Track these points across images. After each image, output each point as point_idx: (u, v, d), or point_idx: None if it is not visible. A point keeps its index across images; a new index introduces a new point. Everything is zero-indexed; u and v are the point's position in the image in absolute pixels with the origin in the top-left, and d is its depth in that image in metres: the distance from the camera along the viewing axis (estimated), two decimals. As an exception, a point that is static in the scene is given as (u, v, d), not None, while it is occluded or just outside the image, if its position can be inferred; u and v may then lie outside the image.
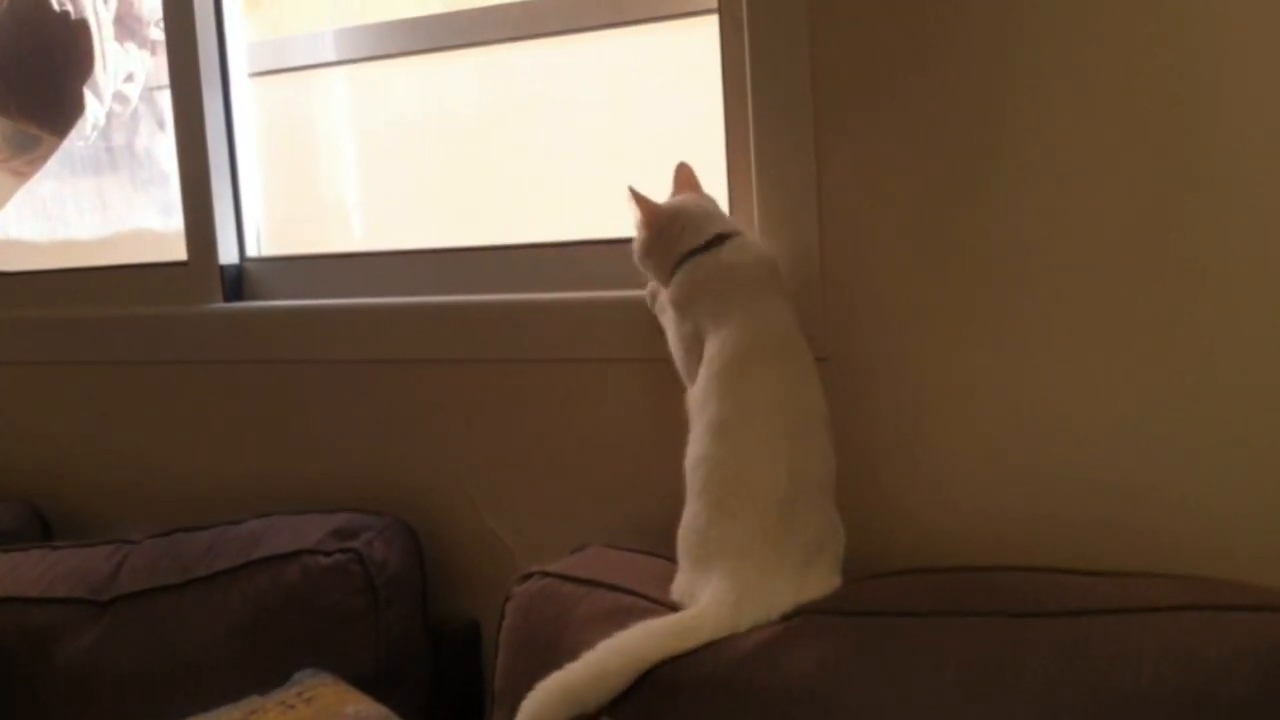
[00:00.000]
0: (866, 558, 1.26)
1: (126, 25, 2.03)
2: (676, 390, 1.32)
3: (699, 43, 1.47)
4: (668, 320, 1.34)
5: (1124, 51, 1.20)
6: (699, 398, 1.26)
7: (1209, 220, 1.19)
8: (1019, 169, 1.25)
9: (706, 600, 1.17)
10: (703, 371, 1.26)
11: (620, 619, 1.18)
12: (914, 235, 1.30)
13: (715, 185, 1.42)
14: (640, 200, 1.31)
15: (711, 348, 1.25)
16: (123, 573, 1.52)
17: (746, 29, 1.35)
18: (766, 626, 1.14)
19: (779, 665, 1.09)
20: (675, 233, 1.30)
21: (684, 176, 1.37)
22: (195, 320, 1.75)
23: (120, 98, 2.03)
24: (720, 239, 1.29)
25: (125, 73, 2.03)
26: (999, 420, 1.29)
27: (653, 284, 1.38)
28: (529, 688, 1.17)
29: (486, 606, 1.52)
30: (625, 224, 1.38)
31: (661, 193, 1.37)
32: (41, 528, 1.83)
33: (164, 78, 1.80)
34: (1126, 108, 1.20)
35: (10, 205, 2.15)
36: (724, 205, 1.43)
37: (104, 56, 2.01)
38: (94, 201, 2.09)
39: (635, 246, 1.35)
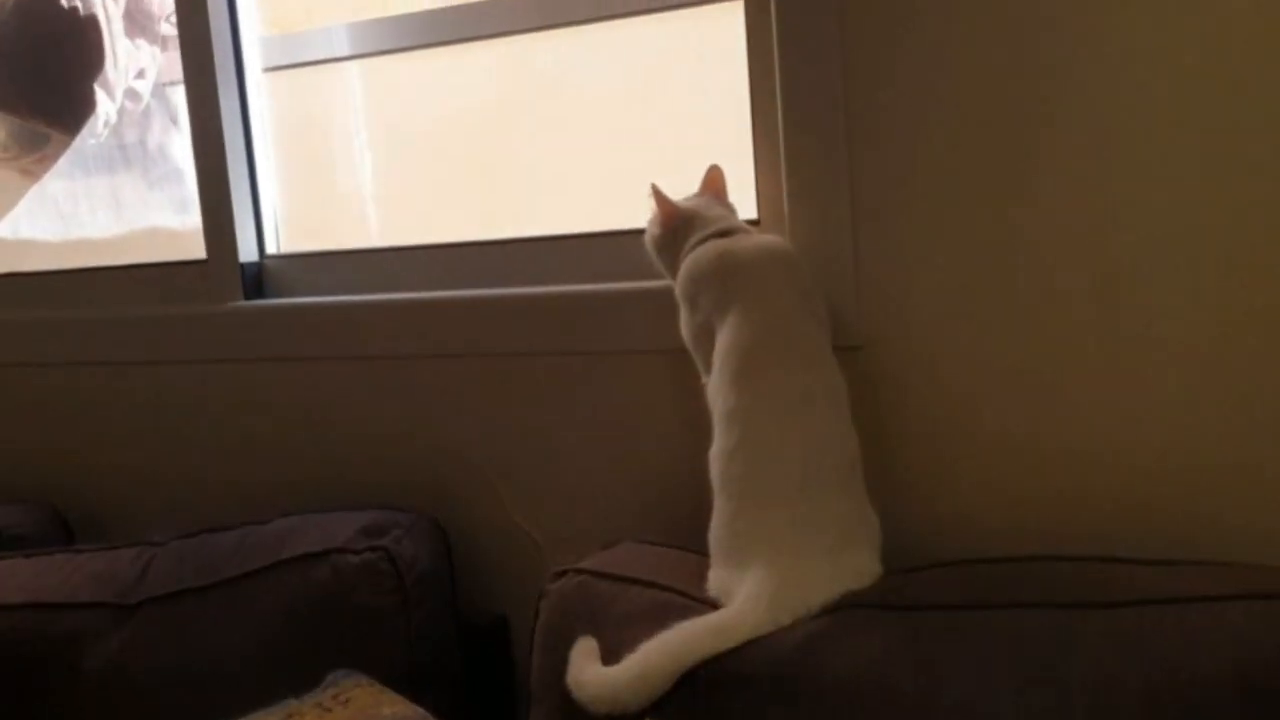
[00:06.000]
0: (903, 548, 1.25)
1: (137, 21, 2.01)
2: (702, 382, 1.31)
3: (722, 29, 1.45)
4: (680, 313, 1.35)
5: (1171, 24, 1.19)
6: (713, 391, 1.26)
7: (1257, 205, 1.17)
8: (1057, 155, 1.23)
9: (743, 597, 1.16)
10: (714, 364, 1.26)
11: (659, 616, 1.17)
12: (948, 222, 1.29)
13: (742, 174, 1.41)
14: (660, 197, 1.33)
15: (720, 340, 1.25)
16: (149, 575, 1.50)
17: (774, 13, 1.33)
18: (809, 620, 1.13)
19: (824, 661, 1.08)
20: (686, 230, 1.33)
21: (712, 179, 1.37)
22: (216, 319, 1.73)
23: (132, 94, 2.02)
24: (723, 234, 1.31)
25: (136, 69, 2.01)
26: (1034, 407, 1.28)
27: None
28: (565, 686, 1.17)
29: (515, 601, 1.52)
30: (646, 214, 1.38)
31: (686, 185, 1.37)
32: (63, 531, 1.82)
33: (176, 74, 1.79)
34: (1172, 81, 1.19)
35: (22, 205, 2.14)
36: (750, 194, 1.43)
37: (114, 53, 2.00)
38: (107, 200, 2.07)
39: (648, 240, 1.38)
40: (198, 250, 1.78)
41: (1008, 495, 1.30)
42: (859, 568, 1.19)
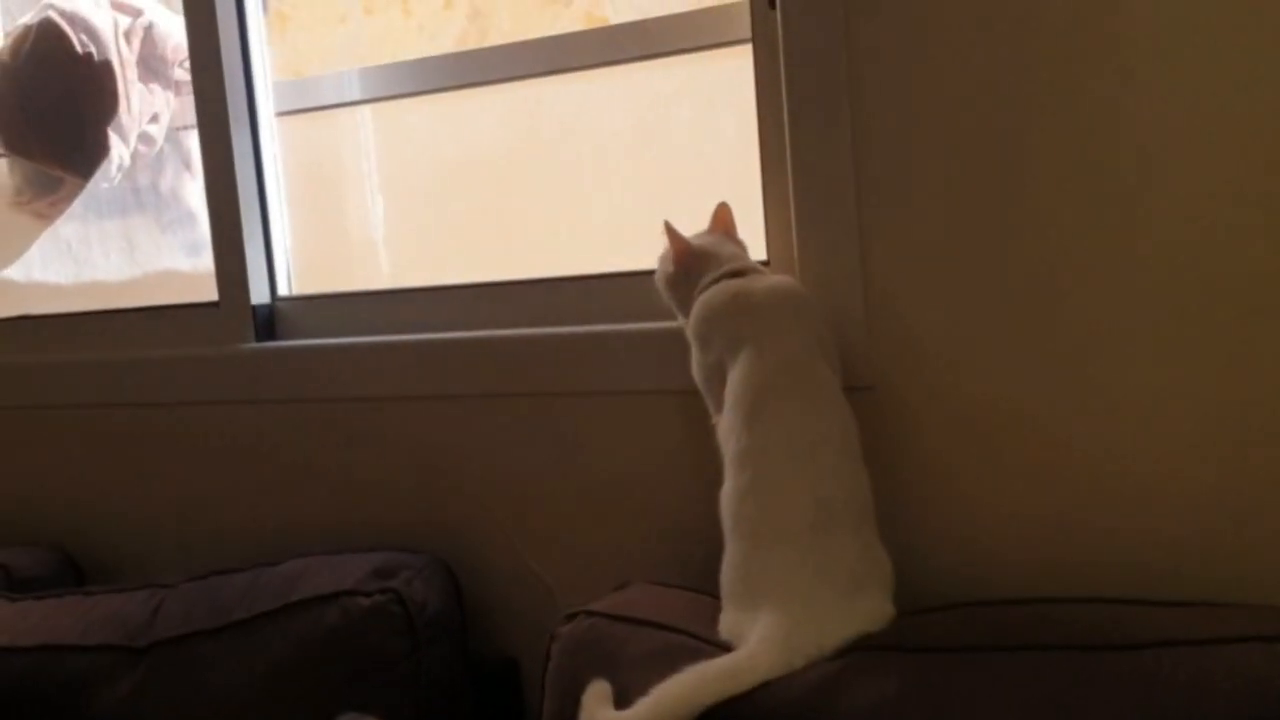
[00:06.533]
0: (916, 589, 1.24)
1: (151, 66, 2.03)
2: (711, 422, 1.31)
3: (730, 73, 1.46)
4: (692, 352, 1.34)
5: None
6: (724, 431, 1.26)
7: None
8: (1069, 194, 1.24)
9: (756, 639, 1.15)
10: (726, 404, 1.25)
11: (671, 659, 1.16)
12: (959, 263, 1.29)
13: (751, 216, 1.42)
14: (673, 235, 1.33)
15: (732, 379, 1.25)
16: (159, 617, 1.50)
17: (782, 58, 1.34)
18: (822, 663, 1.12)
19: (837, 704, 1.07)
20: (700, 269, 1.33)
21: (721, 216, 1.38)
22: (228, 361, 1.74)
23: (146, 138, 2.04)
24: (736, 274, 1.31)
25: (150, 113, 2.03)
26: (1046, 450, 1.27)
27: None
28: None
29: (525, 644, 1.51)
30: (655, 256, 1.39)
31: (693, 227, 1.37)
32: (74, 573, 1.82)
33: (189, 118, 1.81)
34: (1195, 116, 1.20)
35: (35, 248, 2.15)
36: (760, 237, 1.43)
37: (128, 98, 2.01)
38: (120, 243, 2.08)
39: (660, 278, 1.38)
40: (210, 292, 1.78)
41: (1022, 535, 1.29)
42: (872, 609, 1.18)
